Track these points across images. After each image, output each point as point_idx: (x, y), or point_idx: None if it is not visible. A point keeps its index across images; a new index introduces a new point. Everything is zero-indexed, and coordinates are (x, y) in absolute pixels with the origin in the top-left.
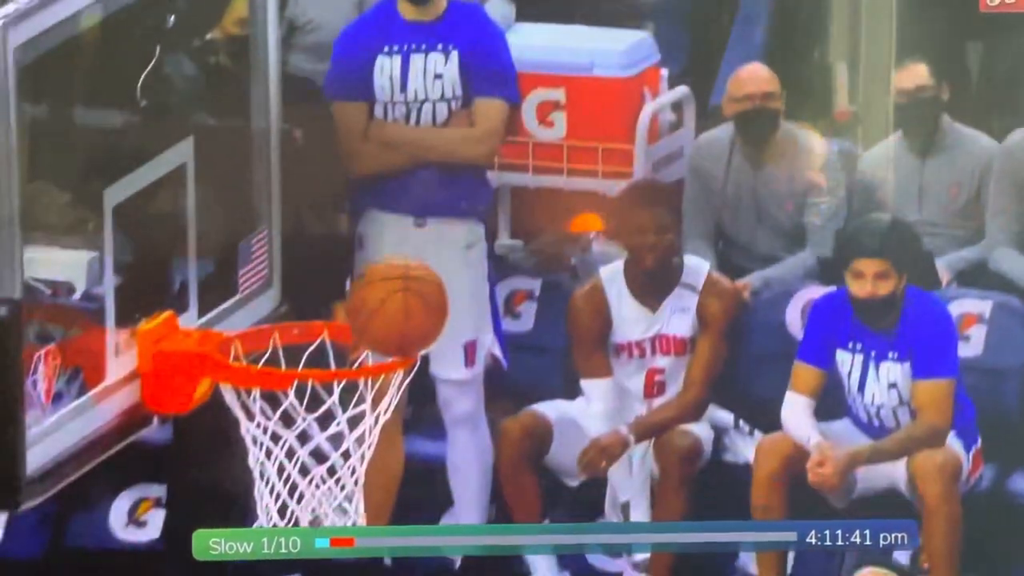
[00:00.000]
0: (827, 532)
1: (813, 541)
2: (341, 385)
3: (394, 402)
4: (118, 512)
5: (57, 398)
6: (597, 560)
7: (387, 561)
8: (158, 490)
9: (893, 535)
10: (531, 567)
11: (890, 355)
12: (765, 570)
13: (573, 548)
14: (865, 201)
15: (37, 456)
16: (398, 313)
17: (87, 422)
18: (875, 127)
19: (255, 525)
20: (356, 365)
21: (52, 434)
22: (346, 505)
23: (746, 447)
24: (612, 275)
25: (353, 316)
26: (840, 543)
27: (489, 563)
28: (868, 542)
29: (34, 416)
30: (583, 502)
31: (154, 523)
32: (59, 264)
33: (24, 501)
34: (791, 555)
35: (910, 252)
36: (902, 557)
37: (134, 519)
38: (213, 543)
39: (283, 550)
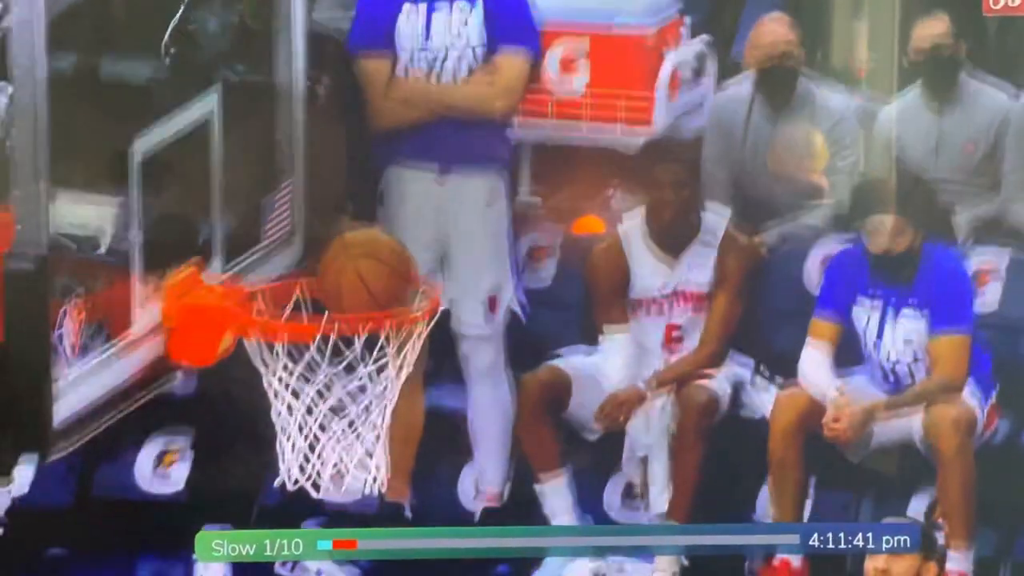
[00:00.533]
0: (829, 534)
1: (816, 543)
2: (363, 338)
3: (415, 353)
4: (143, 463)
5: (83, 351)
6: (616, 513)
7: (408, 512)
8: (183, 442)
9: (896, 538)
10: (551, 513)
11: (907, 310)
12: (783, 517)
13: (574, 551)
14: (882, 156)
15: (64, 408)
16: (356, 284)
17: (113, 375)
18: (894, 82)
19: (276, 480)
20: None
21: (78, 386)
22: (367, 458)
23: (763, 401)
24: (631, 230)
25: (331, 305)
26: (843, 545)
27: (510, 510)
28: (871, 544)
29: (60, 369)
30: (602, 455)
31: (179, 474)
32: (85, 218)
33: (51, 452)
34: (808, 503)
35: (927, 207)
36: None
37: (159, 470)
38: (216, 544)
39: (285, 551)
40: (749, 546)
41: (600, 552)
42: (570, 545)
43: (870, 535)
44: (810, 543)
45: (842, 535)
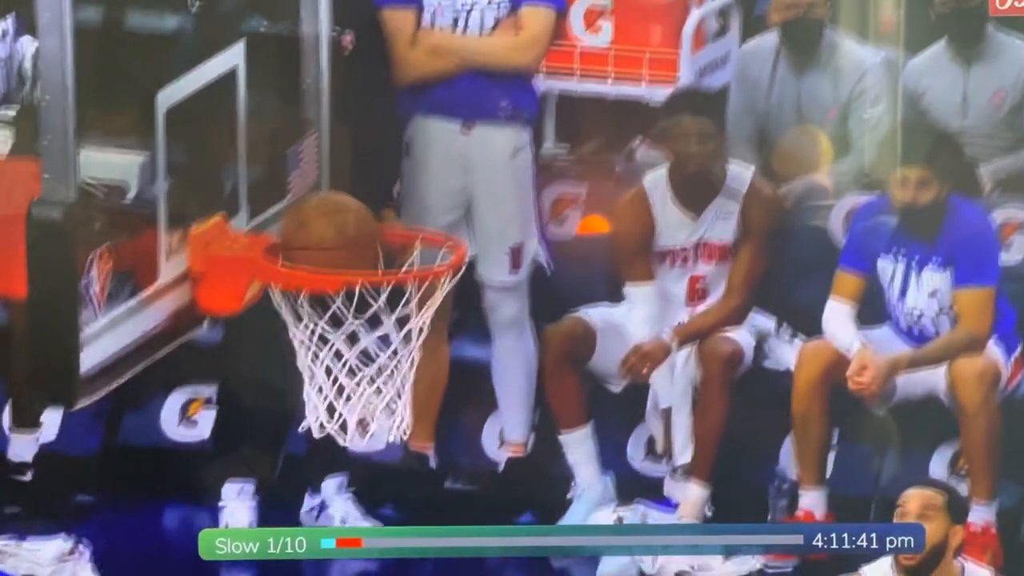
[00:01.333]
0: (833, 535)
1: (820, 544)
2: (388, 288)
3: (437, 304)
4: (170, 411)
5: (110, 299)
6: (639, 465)
7: (432, 463)
8: (209, 390)
9: (900, 538)
10: (575, 463)
11: (931, 263)
12: (806, 475)
13: (580, 550)
14: (909, 109)
15: (91, 356)
16: (324, 232)
17: (139, 323)
18: (919, 35)
19: (302, 426)
20: (404, 268)
21: (105, 334)
22: (393, 407)
23: (787, 353)
24: (656, 182)
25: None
26: (847, 546)
27: (531, 464)
28: (875, 545)
29: (87, 317)
30: (626, 407)
31: (205, 422)
32: (112, 166)
33: (78, 400)
34: (831, 460)
35: (953, 160)
36: (940, 470)
37: (185, 418)
38: (219, 542)
39: (288, 550)
40: (752, 546)
41: (624, 502)
42: (560, 544)
43: (874, 535)
44: (814, 543)
45: (846, 535)
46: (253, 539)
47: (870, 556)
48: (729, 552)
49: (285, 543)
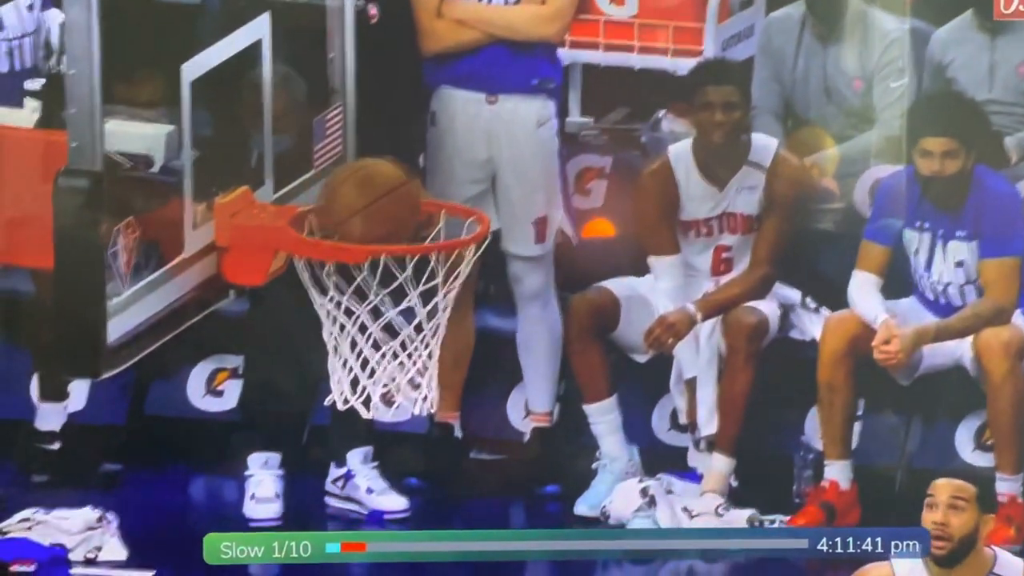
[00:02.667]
0: (838, 539)
1: (824, 548)
2: (414, 260)
3: (464, 276)
4: (196, 381)
5: (136, 270)
6: (664, 436)
7: (458, 432)
8: (235, 360)
9: (904, 543)
10: (599, 434)
11: (957, 233)
12: (831, 446)
13: (588, 553)
14: (934, 79)
15: (117, 326)
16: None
17: (166, 293)
18: (946, 5)
19: (327, 399)
20: (428, 240)
21: (132, 305)
22: (418, 379)
23: (813, 324)
24: (680, 153)
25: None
26: (851, 550)
27: (556, 435)
28: (879, 549)
29: (114, 287)
30: (652, 378)
31: (231, 393)
32: (138, 137)
33: (105, 370)
34: (856, 432)
35: (978, 131)
36: (966, 442)
37: (211, 388)
38: (224, 547)
39: (293, 554)
40: (759, 549)
41: (649, 472)
42: (566, 548)
43: (879, 540)
44: (818, 547)
45: (851, 540)
46: (258, 543)
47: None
48: (734, 555)
49: (290, 547)
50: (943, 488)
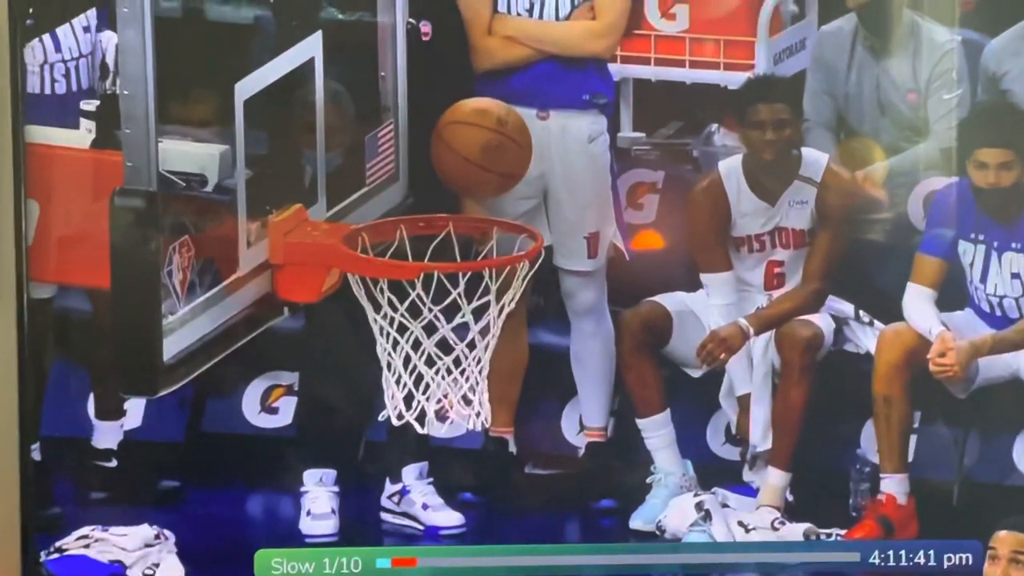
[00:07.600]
0: (891, 552)
1: (876, 562)
2: (467, 277)
3: (519, 293)
4: (251, 398)
5: (191, 288)
6: (719, 450)
7: (512, 448)
8: (290, 377)
9: (958, 555)
10: (654, 448)
11: (1013, 245)
12: (887, 459)
13: (643, 568)
14: (988, 91)
15: (173, 344)
16: (445, 155)
17: (221, 311)
18: (1000, 15)
19: (381, 415)
20: (481, 257)
21: (187, 323)
22: (471, 395)
23: (867, 337)
24: (731, 169)
25: (452, 186)
26: (904, 564)
27: (611, 449)
28: (932, 563)
29: (170, 306)
30: (706, 392)
31: (286, 409)
32: (192, 157)
33: (161, 388)
34: (912, 445)
35: None
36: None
37: (267, 405)
38: (275, 562)
39: (344, 570)
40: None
41: (704, 487)
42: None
43: (932, 552)
44: (870, 560)
45: (903, 552)
46: (310, 559)
47: (928, 574)
48: (791, 569)
49: (341, 563)
50: (1005, 541)
